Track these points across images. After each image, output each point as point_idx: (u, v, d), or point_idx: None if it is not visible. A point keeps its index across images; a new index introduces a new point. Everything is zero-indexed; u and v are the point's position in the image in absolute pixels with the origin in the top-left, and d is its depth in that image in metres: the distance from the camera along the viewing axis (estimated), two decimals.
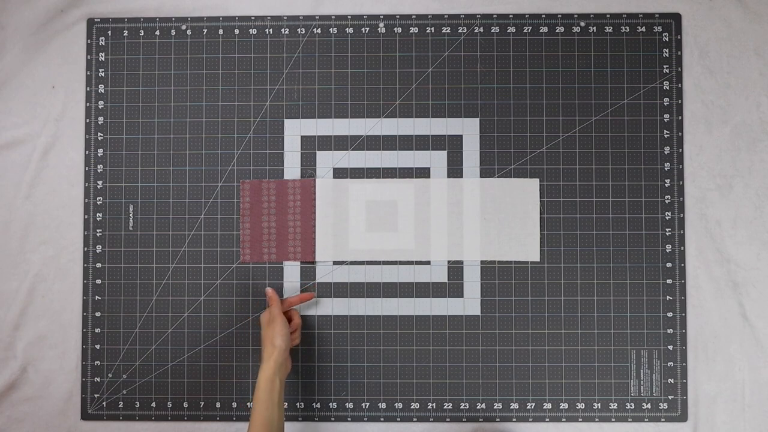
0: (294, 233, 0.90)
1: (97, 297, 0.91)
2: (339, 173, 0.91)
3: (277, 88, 0.92)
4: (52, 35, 0.92)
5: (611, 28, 0.91)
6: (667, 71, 0.91)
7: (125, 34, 0.92)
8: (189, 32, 0.92)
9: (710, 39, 0.90)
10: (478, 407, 0.89)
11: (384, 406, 0.90)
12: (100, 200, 0.92)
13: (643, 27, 0.91)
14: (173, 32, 0.92)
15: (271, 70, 0.92)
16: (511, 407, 0.89)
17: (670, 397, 0.89)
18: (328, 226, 0.90)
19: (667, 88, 0.90)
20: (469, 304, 0.90)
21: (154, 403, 0.90)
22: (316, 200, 0.90)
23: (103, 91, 0.92)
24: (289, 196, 0.90)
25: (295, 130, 0.92)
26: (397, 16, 0.92)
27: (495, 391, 0.89)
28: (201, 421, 0.90)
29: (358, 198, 0.90)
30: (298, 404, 0.90)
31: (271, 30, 0.92)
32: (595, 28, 0.91)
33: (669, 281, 0.89)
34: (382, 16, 0.92)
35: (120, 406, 0.90)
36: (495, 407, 0.89)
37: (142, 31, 0.92)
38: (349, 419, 0.90)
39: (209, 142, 0.91)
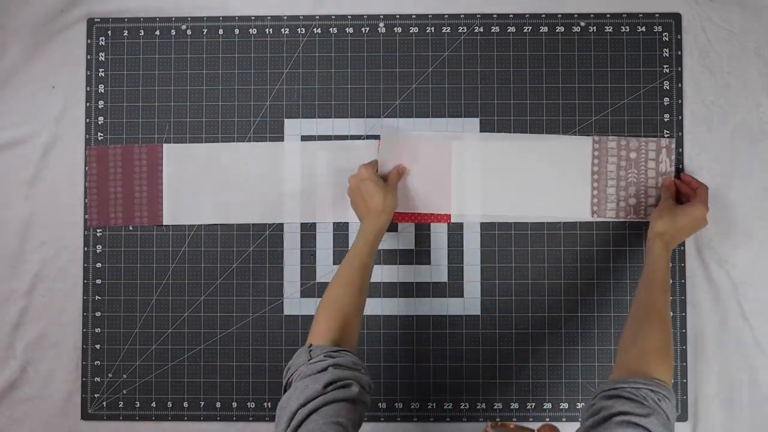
0: (140, 197, 0.91)
1: (97, 297, 0.91)
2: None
3: (277, 88, 0.92)
4: (52, 35, 0.92)
5: (611, 28, 0.91)
6: (667, 71, 0.91)
7: (125, 34, 0.92)
8: (189, 32, 0.92)
9: (710, 39, 0.90)
10: (478, 407, 0.89)
11: (384, 406, 0.90)
12: None
13: (643, 27, 0.91)
14: (173, 32, 0.92)
15: (271, 70, 0.92)
16: (511, 407, 0.89)
17: None
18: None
19: (667, 88, 0.90)
20: (469, 303, 0.90)
21: (154, 403, 0.90)
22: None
23: (103, 91, 0.92)
24: (135, 161, 0.91)
25: (295, 130, 0.92)
26: (397, 16, 0.92)
27: (495, 391, 0.89)
28: (201, 421, 0.90)
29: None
30: None
31: (271, 30, 0.92)
32: (595, 28, 0.91)
33: (669, 281, 0.89)
34: (382, 16, 0.92)
35: (120, 406, 0.90)
36: (495, 407, 0.89)
37: (142, 31, 0.92)
38: None
39: (209, 141, 0.91)
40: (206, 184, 0.91)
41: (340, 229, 0.91)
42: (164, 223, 0.90)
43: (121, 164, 0.91)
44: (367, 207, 0.82)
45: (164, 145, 0.91)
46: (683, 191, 0.87)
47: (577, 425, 0.89)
